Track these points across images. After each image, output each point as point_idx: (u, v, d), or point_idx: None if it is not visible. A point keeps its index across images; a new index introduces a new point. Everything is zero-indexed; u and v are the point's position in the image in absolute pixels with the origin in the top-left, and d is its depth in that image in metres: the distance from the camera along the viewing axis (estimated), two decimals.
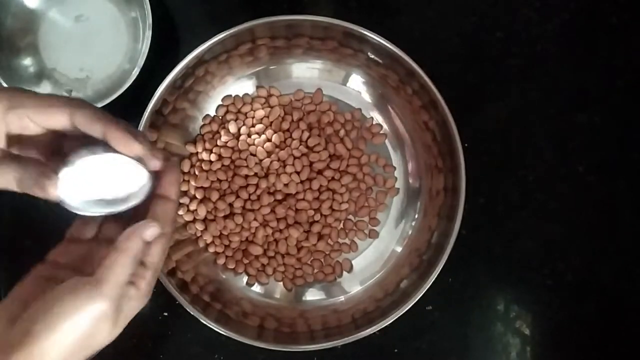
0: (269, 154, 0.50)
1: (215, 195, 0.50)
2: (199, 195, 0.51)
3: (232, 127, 0.51)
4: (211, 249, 0.51)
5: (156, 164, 0.31)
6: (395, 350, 0.52)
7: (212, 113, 0.52)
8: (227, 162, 0.51)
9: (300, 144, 0.51)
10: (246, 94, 0.52)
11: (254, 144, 0.51)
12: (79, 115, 0.30)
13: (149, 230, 0.30)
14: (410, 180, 0.52)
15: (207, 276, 0.50)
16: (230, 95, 0.52)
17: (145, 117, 0.45)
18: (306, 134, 0.51)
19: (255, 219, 0.50)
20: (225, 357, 0.52)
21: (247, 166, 0.50)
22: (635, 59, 0.53)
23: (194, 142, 0.52)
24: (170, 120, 0.49)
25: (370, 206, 0.52)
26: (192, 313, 0.45)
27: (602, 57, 0.53)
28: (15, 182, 0.30)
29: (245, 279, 0.52)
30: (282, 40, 0.49)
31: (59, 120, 0.30)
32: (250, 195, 0.50)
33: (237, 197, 0.50)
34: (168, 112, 0.48)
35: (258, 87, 0.52)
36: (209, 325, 0.45)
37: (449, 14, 0.53)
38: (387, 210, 0.52)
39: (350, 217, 0.52)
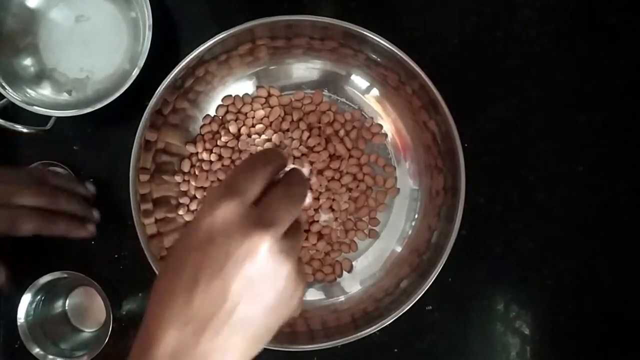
0: None
1: None
2: (199, 195, 0.51)
3: (232, 127, 0.51)
4: None
5: None
6: (395, 350, 0.52)
7: (212, 113, 0.52)
8: (227, 162, 0.51)
9: (300, 144, 0.51)
10: (246, 94, 0.52)
11: (254, 144, 0.51)
12: None
13: None
14: (410, 180, 0.52)
15: None
16: (230, 95, 0.52)
17: (145, 117, 0.45)
18: (306, 134, 0.51)
19: None
20: None
21: None
22: (635, 59, 0.53)
23: (194, 142, 0.52)
24: (170, 120, 0.49)
25: (370, 206, 0.52)
26: None
27: (602, 57, 0.53)
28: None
29: None
30: (282, 40, 0.49)
31: None
32: None
33: None
34: (168, 112, 0.48)
35: (258, 87, 0.52)
36: None
37: (449, 14, 0.53)
38: (387, 210, 0.52)
39: (350, 217, 0.52)
